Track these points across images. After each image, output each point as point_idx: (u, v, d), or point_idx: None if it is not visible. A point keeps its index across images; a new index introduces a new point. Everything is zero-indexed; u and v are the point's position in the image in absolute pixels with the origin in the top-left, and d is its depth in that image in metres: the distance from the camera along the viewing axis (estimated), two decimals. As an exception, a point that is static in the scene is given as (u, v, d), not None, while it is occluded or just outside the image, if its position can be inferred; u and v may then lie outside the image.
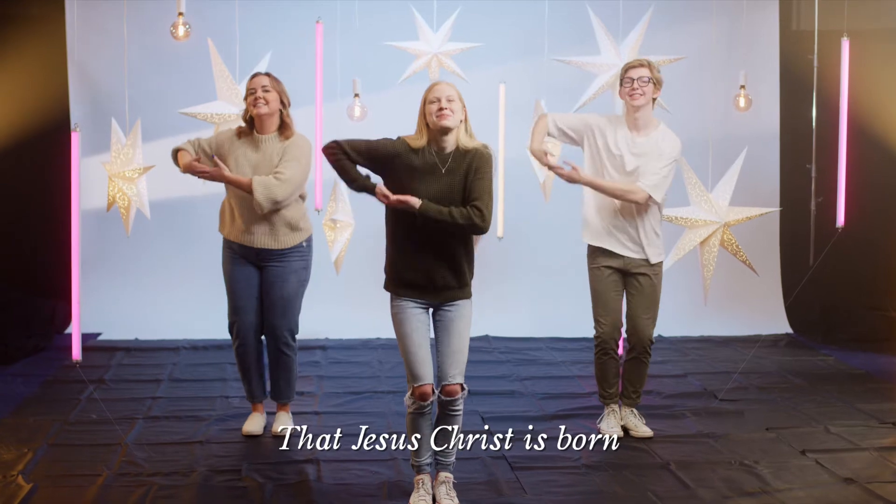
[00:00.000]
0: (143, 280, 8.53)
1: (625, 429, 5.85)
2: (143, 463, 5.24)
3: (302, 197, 5.77)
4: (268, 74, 5.77)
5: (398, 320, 4.81)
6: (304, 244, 5.80)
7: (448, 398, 4.76)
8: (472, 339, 8.13)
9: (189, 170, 5.54)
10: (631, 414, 5.88)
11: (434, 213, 4.64)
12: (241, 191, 5.55)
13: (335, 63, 7.44)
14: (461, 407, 4.81)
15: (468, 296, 4.87)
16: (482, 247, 8.47)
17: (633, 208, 5.70)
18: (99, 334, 8.24)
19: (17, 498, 4.73)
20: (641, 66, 5.66)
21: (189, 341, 8.01)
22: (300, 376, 7.00)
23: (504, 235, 7.63)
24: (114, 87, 7.89)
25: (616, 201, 5.70)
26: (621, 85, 5.72)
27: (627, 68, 5.70)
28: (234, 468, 5.18)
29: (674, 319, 8.42)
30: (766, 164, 8.77)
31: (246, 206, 5.61)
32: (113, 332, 8.24)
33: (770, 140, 8.81)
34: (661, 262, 5.86)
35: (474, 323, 8.23)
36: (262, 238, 5.68)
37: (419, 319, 4.80)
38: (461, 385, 4.80)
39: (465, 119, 4.82)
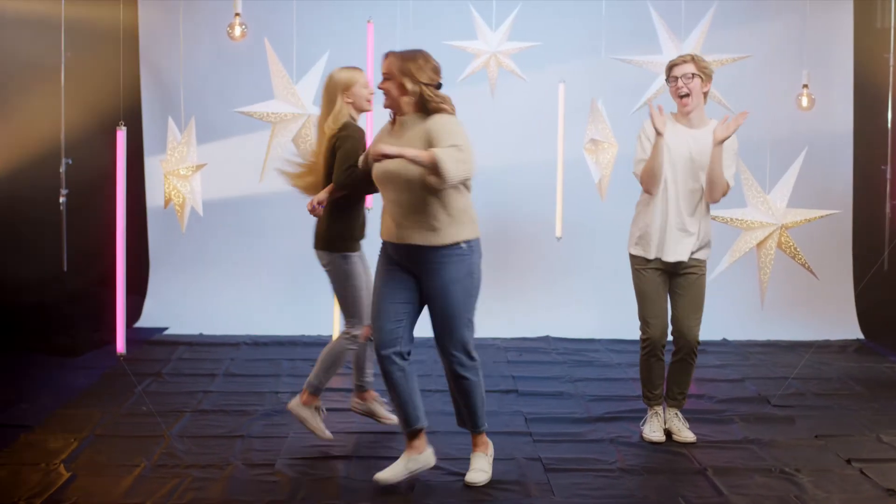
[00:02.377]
0: (210, 276, 8.69)
1: (668, 432, 5.76)
2: (182, 455, 5.34)
3: None
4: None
5: None
6: None
7: None
8: (531, 340, 8.25)
9: None
10: (675, 417, 5.79)
11: None
12: None
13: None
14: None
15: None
16: (541, 247, 8.52)
17: (695, 203, 5.58)
18: (165, 329, 8.42)
19: (56, 486, 4.87)
20: (685, 62, 5.56)
21: (251, 337, 8.14)
22: (347, 373, 7.08)
23: (563, 235, 7.60)
24: (184, 85, 8.01)
25: (681, 197, 5.58)
26: (668, 84, 5.63)
27: (671, 66, 5.60)
28: (268, 462, 5.24)
29: (738, 323, 8.29)
30: (839, 166, 8.55)
31: None
32: (179, 326, 8.42)
33: (843, 141, 8.58)
34: (706, 259, 5.74)
35: (534, 323, 8.37)
36: None
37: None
38: None
39: None
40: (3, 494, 4.75)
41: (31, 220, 8.26)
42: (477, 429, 5.10)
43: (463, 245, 4.85)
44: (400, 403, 5.00)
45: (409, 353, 5.02)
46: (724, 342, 8.17)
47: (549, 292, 8.59)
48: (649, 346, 5.68)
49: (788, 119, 8.17)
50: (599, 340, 8.20)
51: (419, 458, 4.99)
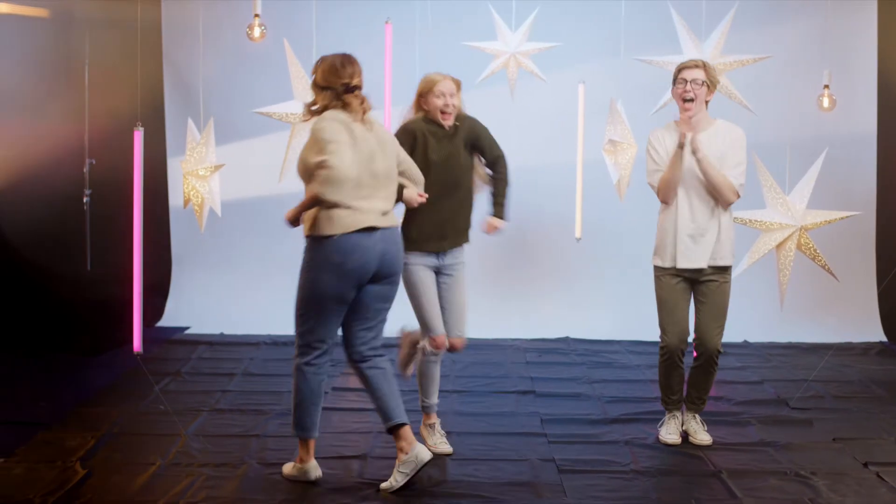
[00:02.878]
0: (232, 276, 8.73)
1: (685, 434, 5.74)
2: (197, 454, 5.37)
3: None
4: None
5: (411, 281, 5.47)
6: None
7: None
8: (551, 341, 8.23)
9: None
10: (693, 419, 5.77)
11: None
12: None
13: (414, 63, 7.47)
14: None
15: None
16: (561, 248, 8.51)
17: (710, 208, 5.55)
18: (187, 328, 8.46)
19: (71, 483, 4.90)
20: (696, 66, 5.54)
21: (271, 336, 8.16)
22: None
23: (582, 237, 7.56)
24: (206, 85, 8.02)
25: (694, 204, 5.56)
26: (674, 85, 5.61)
27: (682, 69, 5.58)
28: (282, 461, 5.24)
29: (760, 325, 8.24)
30: (862, 167, 8.47)
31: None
32: (201, 326, 8.47)
33: (867, 141, 8.51)
34: (731, 267, 5.70)
35: (554, 324, 8.36)
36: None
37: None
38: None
39: None
40: (19, 492, 4.79)
41: (56, 221, 8.34)
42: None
43: (307, 239, 4.95)
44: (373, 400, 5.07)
45: (362, 354, 5.05)
46: (745, 344, 8.13)
47: (569, 293, 8.58)
48: (666, 354, 5.66)
49: (810, 120, 8.09)
50: (619, 342, 8.17)
51: (408, 458, 4.91)
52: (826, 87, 7.21)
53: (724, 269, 5.65)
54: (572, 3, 8.39)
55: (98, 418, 5.98)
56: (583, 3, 8.40)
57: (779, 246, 6.37)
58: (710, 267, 5.59)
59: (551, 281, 8.65)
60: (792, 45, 8.24)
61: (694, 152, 5.44)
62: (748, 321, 8.20)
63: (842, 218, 6.42)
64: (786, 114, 7.96)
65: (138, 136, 5.80)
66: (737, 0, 7.05)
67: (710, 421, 5.93)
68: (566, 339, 8.25)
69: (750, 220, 6.36)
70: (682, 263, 5.57)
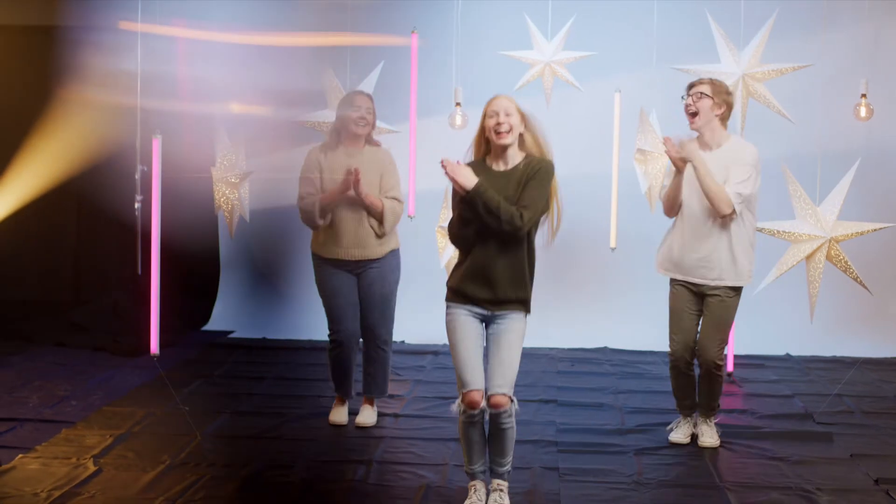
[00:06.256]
0: (277, 281, 8.85)
1: (695, 436, 5.78)
2: (208, 454, 5.48)
3: None
4: (369, 96, 6.07)
5: (451, 328, 4.78)
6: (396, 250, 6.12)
7: (495, 410, 4.67)
8: (588, 350, 8.17)
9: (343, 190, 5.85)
10: (704, 422, 5.79)
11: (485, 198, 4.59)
12: (353, 209, 5.88)
13: (450, 72, 7.51)
14: (511, 420, 4.69)
15: (524, 310, 4.75)
16: (599, 257, 8.45)
17: (710, 227, 5.53)
18: (231, 332, 8.62)
19: (79, 479, 5.06)
20: (701, 83, 5.61)
21: (310, 342, 8.25)
22: (398, 380, 7.16)
23: (617, 246, 7.51)
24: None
25: (699, 218, 5.57)
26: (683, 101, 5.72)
27: (689, 85, 5.67)
28: (288, 464, 5.34)
29: (802, 338, 8.07)
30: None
31: (352, 222, 5.90)
32: (245, 330, 8.61)
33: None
34: (741, 287, 5.64)
35: (593, 334, 8.31)
36: (356, 251, 5.96)
37: (473, 328, 4.74)
38: (509, 397, 4.67)
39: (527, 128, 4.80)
40: (28, 485, 4.95)
41: (109, 226, 8.57)
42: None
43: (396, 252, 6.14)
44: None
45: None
46: (787, 357, 7.98)
47: (608, 303, 8.51)
48: (673, 361, 5.76)
49: (845, 130, 7.89)
50: (657, 353, 8.06)
51: None
52: (863, 96, 7.06)
53: (725, 288, 5.60)
54: (608, 11, 8.34)
55: (122, 417, 6.13)
56: (619, 12, 8.34)
57: (808, 257, 6.27)
58: (710, 284, 5.57)
59: (589, 290, 8.59)
60: (831, 52, 8.06)
61: (686, 160, 5.48)
62: (791, 334, 8.07)
63: (874, 230, 6.29)
64: (820, 123, 7.79)
65: (156, 144, 5.94)
66: (777, 6, 6.95)
67: (730, 433, 5.88)
68: (604, 350, 8.21)
69: (778, 231, 6.27)
70: (688, 277, 5.64)
